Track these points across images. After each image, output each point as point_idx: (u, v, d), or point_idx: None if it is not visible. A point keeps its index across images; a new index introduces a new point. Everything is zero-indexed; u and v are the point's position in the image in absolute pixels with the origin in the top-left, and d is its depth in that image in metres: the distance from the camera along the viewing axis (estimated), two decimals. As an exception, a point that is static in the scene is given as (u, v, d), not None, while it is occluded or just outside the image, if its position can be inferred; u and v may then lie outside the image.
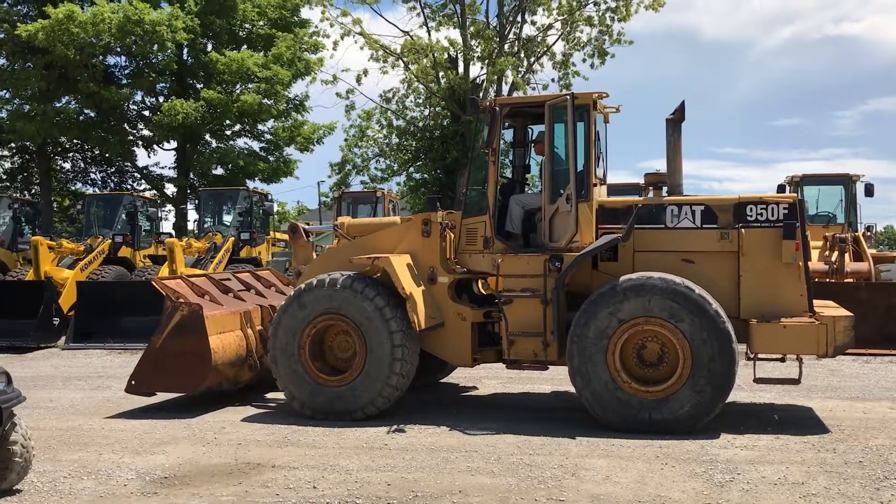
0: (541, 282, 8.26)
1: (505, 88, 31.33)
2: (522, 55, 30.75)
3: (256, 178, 33.35)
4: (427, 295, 8.66)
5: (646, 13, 30.17)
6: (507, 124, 9.37)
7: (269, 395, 9.98)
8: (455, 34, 30.92)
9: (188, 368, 8.89)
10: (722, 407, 7.68)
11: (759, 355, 8.13)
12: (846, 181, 18.94)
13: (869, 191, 18.58)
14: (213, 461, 6.97)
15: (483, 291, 9.81)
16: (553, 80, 31.17)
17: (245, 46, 32.75)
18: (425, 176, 32.90)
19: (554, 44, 31.01)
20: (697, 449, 7.09)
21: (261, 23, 33.04)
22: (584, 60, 30.90)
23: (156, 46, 29.66)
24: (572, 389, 8.07)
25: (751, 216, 8.10)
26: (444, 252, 8.96)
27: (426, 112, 32.48)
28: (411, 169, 33.28)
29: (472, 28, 30.26)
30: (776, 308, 7.96)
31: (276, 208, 26.30)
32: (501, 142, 9.04)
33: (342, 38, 30.08)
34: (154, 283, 9.67)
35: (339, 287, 8.51)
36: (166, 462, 6.95)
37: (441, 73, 30.05)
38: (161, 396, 10.08)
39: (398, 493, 6.00)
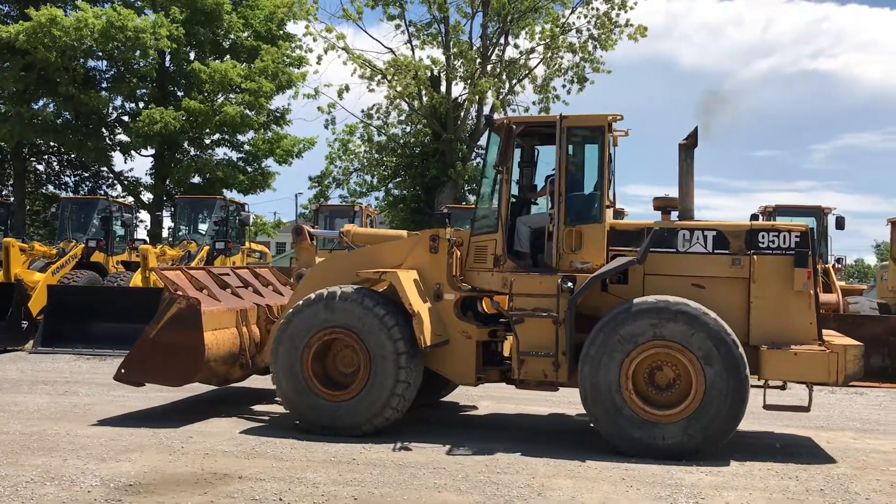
0: (553, 302, 8.19)
1: (485, 109, 31.58)
2: (504, 77, 31.03)
3: (234, 189, 33.25)
4: (433, 312, 8.53)
5: (626, 41, 30.61)
6: (516, 143, 9.19)
7: (258, 408, 9.92)
8: (438, 53, 31.17)
9: (179, 362, 8.73)
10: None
11: (768, 382, 8.13)
12: (818, 213, 19.21)
13: (840, 224, 18.88)
14: (179, 470, 6.93)
15: (486, 310, 9.69)
16: (533, 102, 31.51)
17: (228, 57, 32.73)
18: (404, 192, 33.01)
19: (535, 67, 31.36)
20: (663, 472, 7.14)
21: (245, 34, 33.05)
22: (563, 86, 31.29)
23: (138, 53, 29.57)
24: (568, 411, 8.03)
25: (762, 243, 8.14)
26: (451, 269, 8.84)
27: (407, 129, 32.66)
28: (390, 185, 33.37)
29: (455, 48, 30.51)
30: (786, 335, 7.98)
31: (252, 219, 26.18)
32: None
33: (325, 52, 30.24)
34: (155, 272, 9.57)
35: (345, 300, 8.38)
36: (132, 469, 6.89)
37: (423, 92, 30.22)
38: (131, 406, 10.01)
39: (364, 508, 6.01)
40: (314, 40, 30.45)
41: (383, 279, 8.66)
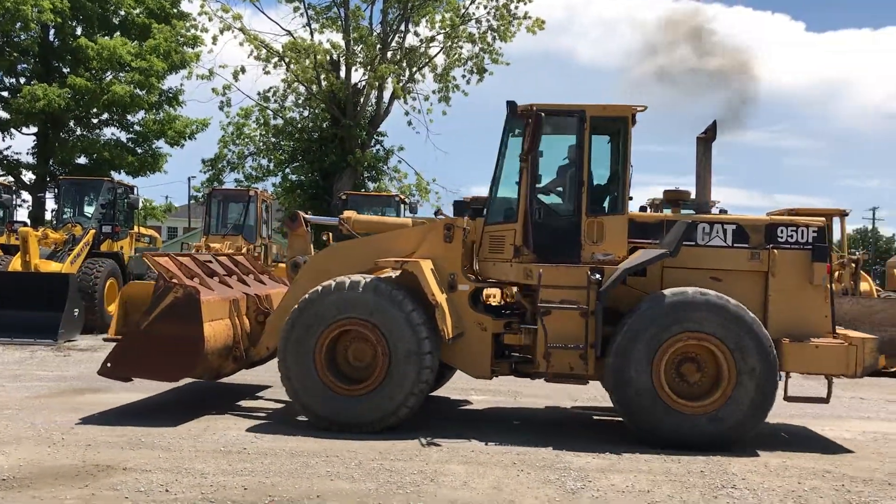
0: (581, 293, 8.09)
1: (385, 95, 31.47)
2: (404, 64, 30.96)
3: (122, 171, 32.02)
4: (450, 303, 8.31)
5: (525, 34, 31.02)
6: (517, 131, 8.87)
7: (244, 403, 9.60)
8: (338, 38, 30.84)
9: (176, 355, 8.16)
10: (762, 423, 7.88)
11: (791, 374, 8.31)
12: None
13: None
14: (59, 462, 6.64)
15: (489, 301, 9.48)
16: (433, 91, 31.58)
17: (118, 33, 31.44)
18: (301, 178, 32.56)
19: (435, 56, 31.42)
20: (552, 457, 7.31)
21: (137, 11, 31.81)
22: (463, 76, 31.48)
23: (18, 25, 28.04)
24: (562, 403, 7.91)
25: (781, 237, 8.28)
26: (464, 259, 8.62)
27: (305, 113, 32.20)
28: (287, 170, 32.85)
29: (355, 33, 30.24)
30: (802, 328, 8.13)
31: (141, 202, 25.22)
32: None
33: (221, 32, 29.49)
34: (145, 259, 8.88)
35: (365, 290, 8.07)
36: (6, 463, 6.56)
37: (322, 76, 29.84)
38: (7, 396, 9.56)
39: (254, 497, 5.90)
40: (210, 20, 29.75)
41: (405, 268, 8.29)
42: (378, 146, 32.60)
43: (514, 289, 8.88)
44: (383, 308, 8.01)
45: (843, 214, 17.89)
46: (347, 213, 9.85)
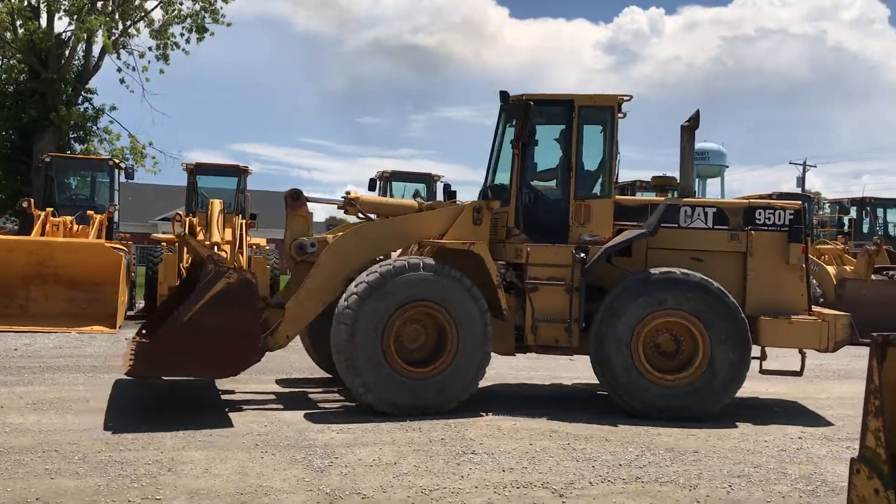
0: (566, 271, 8.44)
1: (95, 49, 28.99)
2: (117, 17, 28.64)
3: None
4: None
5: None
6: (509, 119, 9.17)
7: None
8: (39, -19, 27.77)
9: (231, 348, 7.46)
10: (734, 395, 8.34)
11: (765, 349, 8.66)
12: (429, 180, 20.87)
13: (448, 191, 20.54)
14: None
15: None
16: (150, 48, 29.61)
17: None
18: (-6, 136, 29.00)
19: (152, 10, 29.43)
20: (296, 435, 7.15)
21: None
22: (181, 34, 29.82)
23: None
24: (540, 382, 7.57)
25: (759, 220, 8.70)
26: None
27: (-2, 63, 28.68)
28: (-25, 127, 29.08)
29: (60, -23, 27.42)
30: (779, 306, 8.57)
31: None
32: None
33: None
34: (189, 243, 8.42)
35: (437, 274, 8.12)
36: None
37: (20, 22, 26.72)
38: None
39: (-43, 507, 5.13)
40: None
41: (467, 249, 8.38)
42: (86, 104, 29.90)
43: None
44: (448, 288, 8.14)
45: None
46: (354, 193, 9.45)
